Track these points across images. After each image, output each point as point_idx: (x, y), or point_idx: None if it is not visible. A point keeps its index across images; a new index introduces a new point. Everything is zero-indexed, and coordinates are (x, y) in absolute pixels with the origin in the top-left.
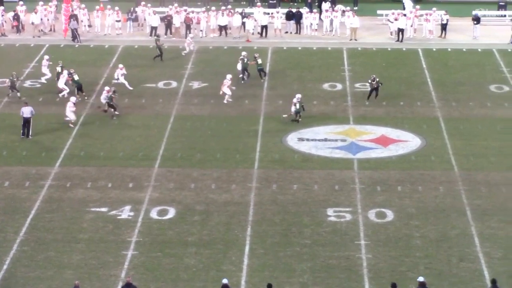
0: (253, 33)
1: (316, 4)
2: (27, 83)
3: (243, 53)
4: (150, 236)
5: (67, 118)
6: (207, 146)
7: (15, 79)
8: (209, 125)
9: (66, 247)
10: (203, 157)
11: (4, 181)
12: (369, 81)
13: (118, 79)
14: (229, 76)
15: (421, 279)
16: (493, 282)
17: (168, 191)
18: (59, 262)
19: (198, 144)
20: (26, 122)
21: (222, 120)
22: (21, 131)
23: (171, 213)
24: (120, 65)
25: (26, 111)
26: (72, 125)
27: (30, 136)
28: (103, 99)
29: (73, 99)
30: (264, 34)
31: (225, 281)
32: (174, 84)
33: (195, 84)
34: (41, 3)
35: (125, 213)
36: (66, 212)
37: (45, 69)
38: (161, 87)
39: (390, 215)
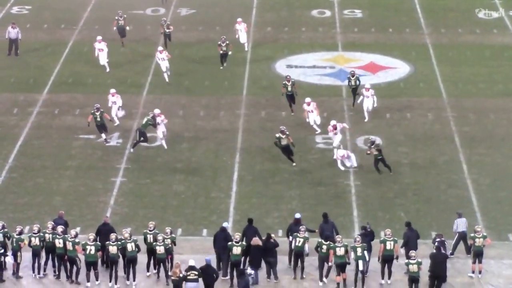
0: None
1: None
2: None
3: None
4: (138, 163)
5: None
6: (195, 73)
7: None
8: (197, 52)
9: (54, 173)
10: (191, 84)
11: None
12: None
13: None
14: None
15: (297, 215)
16: (408, 224)
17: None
18: (48, 188)
19: (186, 71)
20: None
21: (210, 47)
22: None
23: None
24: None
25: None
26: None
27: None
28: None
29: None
30: None
31: (225, 224)
32: (162, 10)
33: (183, 11)
34: None
35: (114, 140)
36: (55, 139)
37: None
38: (149, 14)
39: (378, 141)
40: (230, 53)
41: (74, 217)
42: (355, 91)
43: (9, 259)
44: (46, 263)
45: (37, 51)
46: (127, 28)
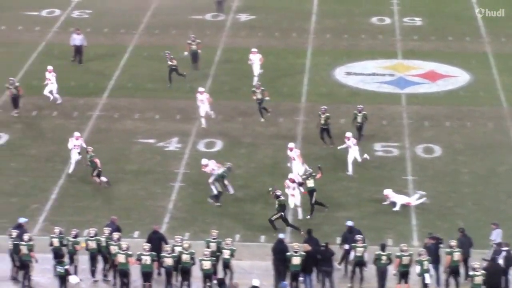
0: None
1: None
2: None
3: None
4: (197, 168)
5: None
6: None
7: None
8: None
9: (113, 177)
10: (250, 90)
11: (53, 111)
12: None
13: None
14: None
15: (350, 223)
16: (462, 230)
17: (215, 124)
18: (106, 192)
19: (245, 77)
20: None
21: (269, 53)
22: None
23: (219, 145)
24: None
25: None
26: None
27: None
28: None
29: None
30: None
31: (282, 235)
32: (221, 16)
33: (243, 17)
34: None
35: (173, 144)
36: (114, 143)
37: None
38: (208, 19)
39: (437, 150)
40: (200, 51)
41: (133, 221)
42: (360, 129)
43: (74, 279)
44: (104, 268)
45: (97, 55)
46: (199, 51)
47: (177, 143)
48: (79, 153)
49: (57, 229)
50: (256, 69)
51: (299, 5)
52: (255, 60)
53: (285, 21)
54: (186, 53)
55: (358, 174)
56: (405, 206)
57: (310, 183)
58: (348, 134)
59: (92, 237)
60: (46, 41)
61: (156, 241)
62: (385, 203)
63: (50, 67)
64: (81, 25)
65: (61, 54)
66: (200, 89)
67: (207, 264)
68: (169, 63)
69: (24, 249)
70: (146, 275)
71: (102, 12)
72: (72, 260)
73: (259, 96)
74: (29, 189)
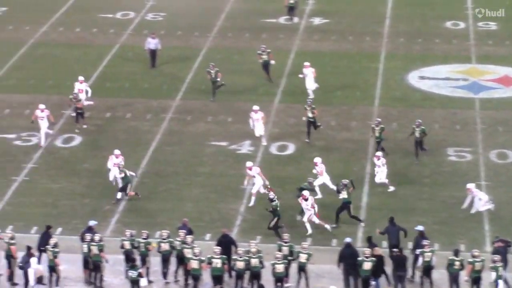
0: None
1: None
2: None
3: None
4: (269, 171)
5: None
6: (327, 83)
7: None
8: (329, 61)
9: (186, 180)
10: (323, 94)
11: (126, 113)
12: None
13: None
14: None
15: (420, 228)
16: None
17: (288, 127)
18: (179, 194)
19: (318, 81)
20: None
21: (343, 57)
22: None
23: (291, 149)
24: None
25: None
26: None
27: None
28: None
29: None
30: None
31: (348, 239)
32: (294, 19)
33: (316, 20)
34: None
35: (245, 147)
36: (187, 145)
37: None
38: (282, 23)
39: (511, 156)
40: (272, 62)
41: (204, 224)
42: (420, 144)
43: (143, 282)
44: (176, 271)
45: (171, 57)
46: (272, 62)
47: (249, 146)
48: (121, 171)
49: (128, 232)
50: (310, 84)
51: (373, 9)
52: (308, 74)
53: (358, 25)
54: (260, 60)
55: (430, 178)
56: (477, 212)
57: (343, 195)
58: (378, 153)
59: (164, 239)
60: (120, 43)
61: (226, 244)
62: (466, 200)
63: (81, 78)
64: (155, 28)
65: (135, 56)
66: (255, 107)
67: (279, 268)
68: (211, 74)
69: (94, 250)
70: (217, 278)
71: (176, 15)
72: (144, 262)
73: (310, 114)
74: (102, 191)
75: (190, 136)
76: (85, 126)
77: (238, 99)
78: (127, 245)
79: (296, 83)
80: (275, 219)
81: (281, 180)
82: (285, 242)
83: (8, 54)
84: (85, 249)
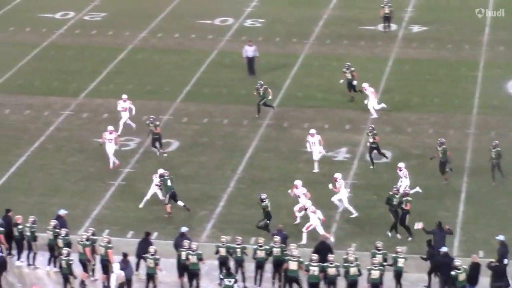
0: None
1: None
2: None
3: None
4: (365, 178)
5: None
6: (425, 90)
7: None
8: (427, 69)
9: (282, 186)
10: (421, 101)
11: (223, 119)
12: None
13: None
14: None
15: (501, 237)
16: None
17: (384, 135)
18: (275, 201)
19: (416, 88)
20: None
21: (441, 65)
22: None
23: (387, 156)
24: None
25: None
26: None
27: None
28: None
29: None
30: None
31: (445, 249)
32: (393, 27)
33: (415, 28)
34: None
35: (341, 155)
36: (283, 152)
37: None
38: (380, 30)
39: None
40: (355, 82)
41: (300, 230)
42: (498, 166)
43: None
44: (273, 277)
45: (268, 64)
46: (355, 83)
47: (345, 153)
48: (160, 188)
49: (223, 238)
50: (374, 103)
51: (472, 17)
52: (369, 94)
53: (457, 33)
54: (341, 81)
55: None
56: None
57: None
58: (401, 164)
59: (261, 246)
60: (218, 49)
61: (324, 251)
62: None
63: (124, 96)
64: (253, 34)
65: (232, 62)
66: (312, 131)
67: (375, 274)
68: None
69: (193, 259)
70: (313, 286)
71: (274, 21)
72: (240, 267)
73: (371, 140)
74: (198, 196)
75: (286, 142)
76: (165, 155)
77: (334, 106)
78: (223, 251)
79: (393, 91)
80: (265, 220)
81: (377, 188)
82: (378, 250)
83: (108, 59)
84: (183, 257)
